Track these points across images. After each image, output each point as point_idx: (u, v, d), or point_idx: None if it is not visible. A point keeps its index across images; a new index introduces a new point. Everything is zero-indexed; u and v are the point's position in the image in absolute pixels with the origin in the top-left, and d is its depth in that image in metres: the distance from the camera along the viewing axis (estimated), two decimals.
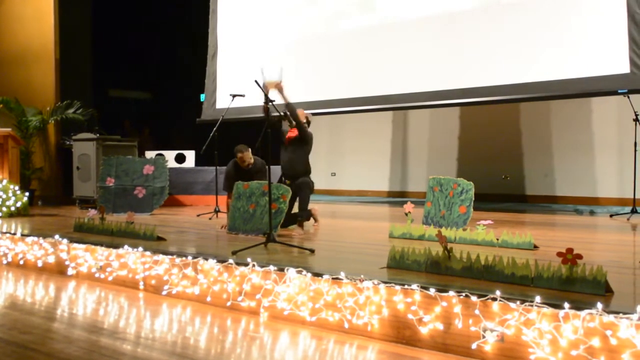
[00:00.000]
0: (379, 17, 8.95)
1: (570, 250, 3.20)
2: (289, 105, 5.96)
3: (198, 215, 7.79)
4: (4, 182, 7.87)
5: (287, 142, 6.24)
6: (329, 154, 12.49)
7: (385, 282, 3.41)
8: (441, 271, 3.68)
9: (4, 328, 3.78)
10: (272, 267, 3.89)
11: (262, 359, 3.19)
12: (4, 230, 6.23)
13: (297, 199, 6.22)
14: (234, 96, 7.80)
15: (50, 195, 10.36)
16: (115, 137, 9.48)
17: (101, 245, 5.13)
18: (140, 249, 4.78)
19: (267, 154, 4.99)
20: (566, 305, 2.82)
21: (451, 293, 3.16)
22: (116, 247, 4.97)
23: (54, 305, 4.42)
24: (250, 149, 6.61)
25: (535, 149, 10.10)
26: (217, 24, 10.89)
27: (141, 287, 4.74)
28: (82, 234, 5.83)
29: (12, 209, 7.78)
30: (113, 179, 8.17)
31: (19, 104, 10.04)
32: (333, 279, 3.60)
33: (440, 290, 3.20)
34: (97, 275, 5.10)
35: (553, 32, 7.44)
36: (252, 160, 6.61)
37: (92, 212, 5.98)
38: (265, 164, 6.84)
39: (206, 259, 4.30)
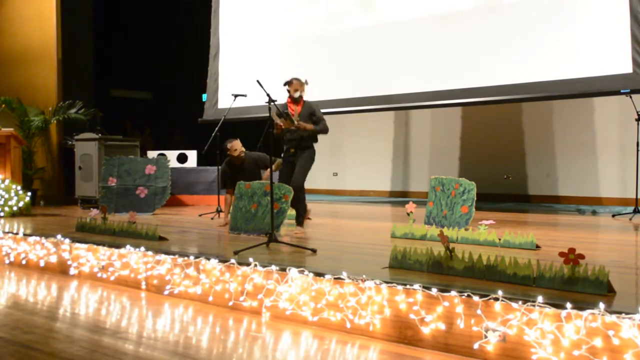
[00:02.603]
0: (380, 17, 8.94)
1: (572, 250, 3.20)
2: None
3: (200, 215, 7.80)
4: (7, 182, 7.88)
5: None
6: (330, 154, 12.49)
7: (387, 282, 3.41)
8: (443, 271, 3.68)
9: (7, 328, 3.78)
10: (274, 267, 3.90)
11: (264, 359, 3.19)
12: (7, 230, 6.24)
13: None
14: (235, 96, 7.81)
15: (53, 195, 10.37)
16: (117, 137, 9.49)
17: (103, 245, 5.13)
18: (142, 248, 4.78)
19: (269, 153, 5.00)
20: (568, 305, 2.82)
21: (453, 293, 3.16)
22: (118, 247, 4.98)
23: (56, 305, 4.43)
24: (238, 139, 6.73)
25: (537, 149, 10.09)
26: (219, 24, 10.90)
27: (143, 287, 4.74)
28: (84, 233, 5.84)
29: (15, 208, 7.79)
30: (115, 178, 8.18)
31: (21, 104, 10.05)
32: (335, 278, 3.60)
33: (442, 290, 3.20)
34: (99, 275, 5.11)
35: (555, 31, 7.44)
36: (242, 149, 6.71)
37: (94, 212, 5.99)
38: (260, 156, 6.81)
39: (208, 259, 4.30)
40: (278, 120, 5.55)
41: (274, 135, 5.79)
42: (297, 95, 5.87)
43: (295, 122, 5.67)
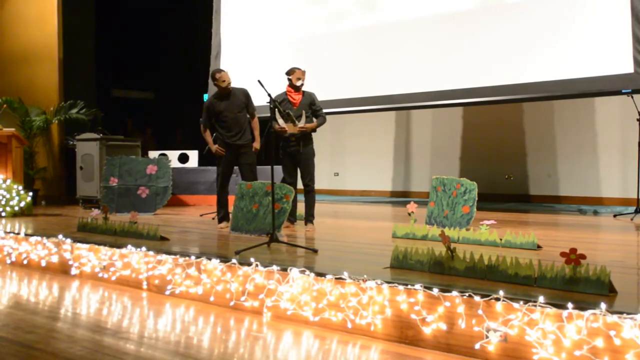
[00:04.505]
0: (381, 17, 8.94)
1: (573, 251, 3.20)
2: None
3: (201, 215, 7.80)
4: (8, 182, 7.89)
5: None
6: (331, 154, 12.49)
7: (388, 282, 3.41)
8: (444, 271, 3.68)
9: (8, 327, 3.79)
10: (275, 267, 3.90)
11: (265, 359, 3.20)
12: (8, 230, 6.24)
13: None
14: None
15: (54, 195, 10.38)
16: (118, 137, 9.50)
17: (104, 245, 5.14)
18: (144, 248, 4.79)
19: (270, 154, 5.00)
20: (569, 305, 2.82)
21: (454, 293, 3.15)
22: (119, 247, 4.98)
23: (57, 305, 4.43)
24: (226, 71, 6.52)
25: (538, 149, 10.09)
26: (220, 24, 10.90)
27: (144, 287, 4.75)
28: (86, 233, 5.85)
29: (16, 208, 7.80)
30: (116, 178, 8.18)
31: (22, 104, 10.06)
32: (336, 279, 3.61)
33: (443, 290, 3.20)
34: (100, 275, 5.11)
35: (556, 31, 7.43)
36: (230, 81, 6.36)
37: (96, 212, 6.00)
38: (246, 91, 6.51)
39: (209, 259, 4.31)
40: (285, 126, 5.76)
41: (275, 135, 5.85)
42: (299, 84, 6.03)
43: (299, 125, 5.82)
